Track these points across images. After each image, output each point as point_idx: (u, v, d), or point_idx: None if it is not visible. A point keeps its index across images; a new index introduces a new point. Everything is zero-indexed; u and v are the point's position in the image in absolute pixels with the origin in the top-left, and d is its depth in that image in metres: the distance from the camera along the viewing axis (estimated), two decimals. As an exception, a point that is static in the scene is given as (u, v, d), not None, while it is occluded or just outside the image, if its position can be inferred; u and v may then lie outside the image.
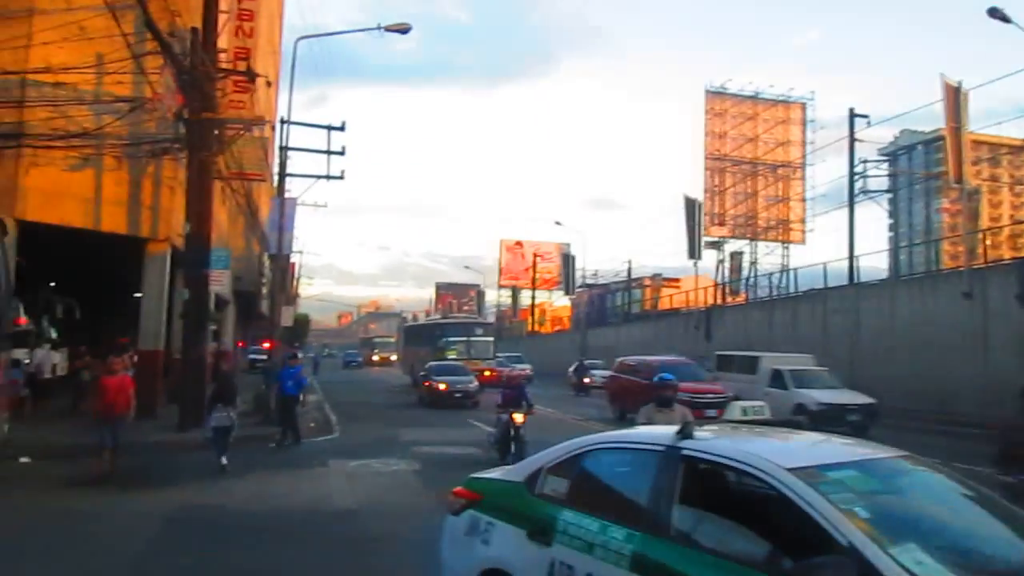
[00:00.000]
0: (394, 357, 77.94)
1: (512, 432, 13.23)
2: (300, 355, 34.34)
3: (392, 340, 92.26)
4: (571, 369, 38.91)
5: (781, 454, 3.83)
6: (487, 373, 31.40)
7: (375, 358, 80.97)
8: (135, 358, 17.50)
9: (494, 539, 4.63)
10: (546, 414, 22.12)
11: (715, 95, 51.94)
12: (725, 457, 3.93)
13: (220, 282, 20.18)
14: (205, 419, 13.52)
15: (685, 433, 4.10)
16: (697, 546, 3.65)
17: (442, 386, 25.86)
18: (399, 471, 12.98)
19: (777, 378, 21.15)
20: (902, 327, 25.81)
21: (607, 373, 38.54)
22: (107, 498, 9.99)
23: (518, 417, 13.33)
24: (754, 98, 52.20)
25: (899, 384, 23.90)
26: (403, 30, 22.50)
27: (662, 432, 4.39)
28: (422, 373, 28.70)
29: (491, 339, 37.37)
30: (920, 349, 24.03)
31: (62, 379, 20.27)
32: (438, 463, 13.78)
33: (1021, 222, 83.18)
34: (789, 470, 3.50)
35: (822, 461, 3.80)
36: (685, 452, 3.97)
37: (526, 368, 41.30)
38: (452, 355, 33.12)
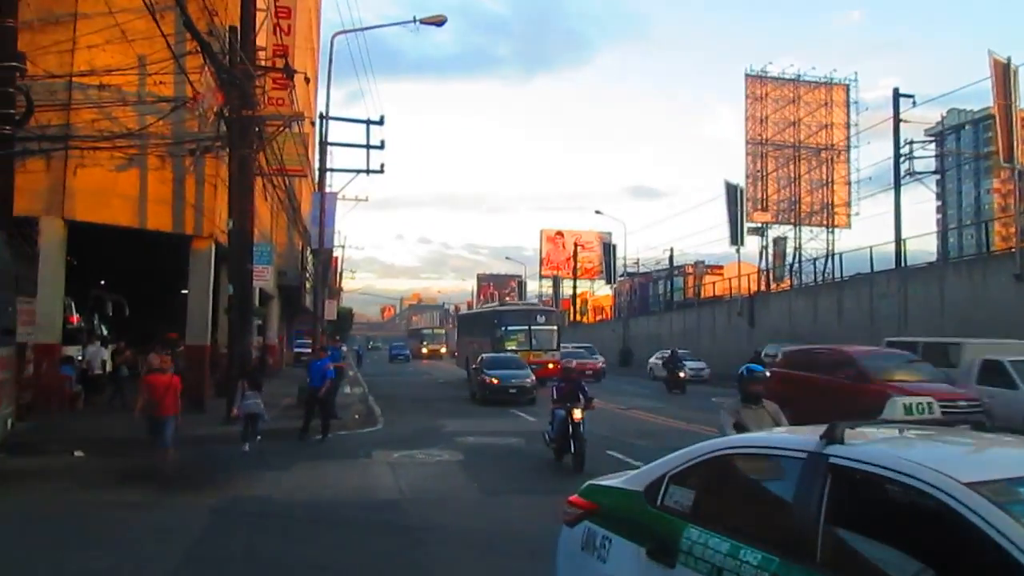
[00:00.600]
0: (444, 350, 77.74)
1: (571, 429, 12.11)
2: (344, 348, 34.68)
3: (441, 332, 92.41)
4: (658, 359, 35.30)
5: (957, 464, 3.08)
6: (551, 366, 28.36)
7: (424, 351, 79.45)
8: (181, 349, 17.88)
9: (611, 556, 4.12)
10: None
11: (755, 79, 51.17)
12: (884, 467, 3.15)
13: (264, 277, 20.55)
14: (237, 405, 13.90)
15: (833, 437, 3.40)
16: (848, 575, 3.07)
17: (494, 380, 24.24)
18: (442, 461, 13.06)
19: (994, 372, 15.39)
20: (952, 311, 25.25)
21: (699, 364, 35.30)
22: (157, 491, 10.18)
23: (577, 413, 12.14)
24: (795, 81, 51.32)
25: (949, 369, 23.30)
26: (439, 23, 22.56)
27: (804, 436, 3.71)
28: (474, 367, 27.17)
29: (554, 327, 33.52)
30: (970, 333, 23.40)
31: (111, 375, 20.70)
32: (482, 453, 13.89)
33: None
34: (968, 484, 2.80)
35: (1013, 473, 3.06)
36: (833, 460, 3.30)
37: (599, 360, 38.04)
38: (512, 346, 30.39)
